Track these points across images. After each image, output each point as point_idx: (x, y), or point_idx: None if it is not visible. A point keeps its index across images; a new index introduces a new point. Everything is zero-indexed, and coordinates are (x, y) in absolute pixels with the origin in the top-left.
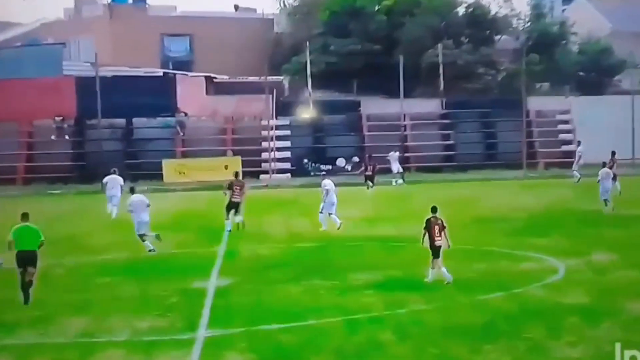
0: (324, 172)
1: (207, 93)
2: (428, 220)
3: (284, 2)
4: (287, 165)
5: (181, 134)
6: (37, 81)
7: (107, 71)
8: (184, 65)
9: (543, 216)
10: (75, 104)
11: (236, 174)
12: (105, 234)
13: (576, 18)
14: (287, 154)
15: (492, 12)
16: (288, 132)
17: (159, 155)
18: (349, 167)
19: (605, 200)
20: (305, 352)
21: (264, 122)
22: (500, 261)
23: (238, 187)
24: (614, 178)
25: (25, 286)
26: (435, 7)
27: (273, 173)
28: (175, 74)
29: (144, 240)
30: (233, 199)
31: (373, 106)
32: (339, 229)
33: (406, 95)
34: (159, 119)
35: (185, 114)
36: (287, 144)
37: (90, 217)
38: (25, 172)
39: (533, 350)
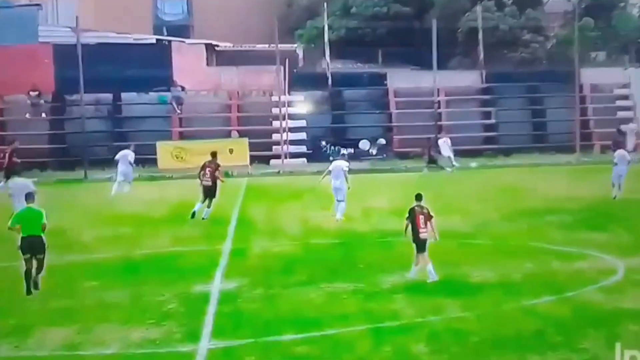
0: (343, 154)
1: (207, 64)
2: (412, 210)
3: None
4: (302, 149)
5: (178, 111)
6: (8, 49)
7: (90, 38)
8: (181, 30)
9: (600, 207)
10: (54, 77)
11: (213, 154)
12: (91, 229)
13: None
14: (302, 135)
15: None
16: (303, 110)
17: (153, 137)
18: (373, 151)
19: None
20: None
21: (275, 98)
22: (551, 260)
23: (210, 169)
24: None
25: (30, 275)
26: None
27: (286, 157)
28: (170, 41)
29: None
30: (204, 182)
31: (401, 79)
32: (336, 221)
33: (440, 67)
34: (151, 94)
35: (183, 88)
36: (302, 123)
37: (73, 210)
38: None
39: None
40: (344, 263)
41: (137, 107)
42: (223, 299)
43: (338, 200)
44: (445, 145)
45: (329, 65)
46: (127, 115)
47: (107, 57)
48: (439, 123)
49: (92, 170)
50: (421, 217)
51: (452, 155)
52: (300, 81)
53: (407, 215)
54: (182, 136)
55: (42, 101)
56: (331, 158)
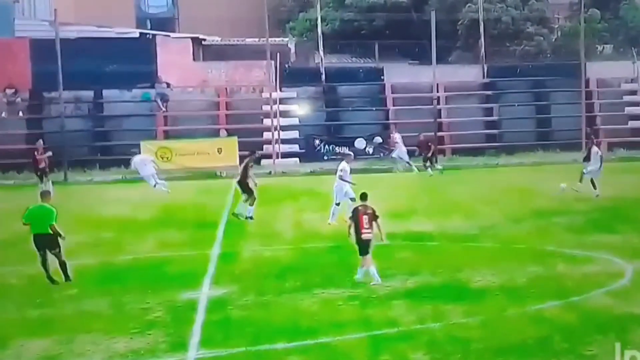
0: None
1: (194, 59)
2: (355, 210)
3: None
4: (295, 148)
5: (163, 109)
6: None
7: (69, 31)
8: (166, 23)
9: (609, 208)
10: (31, 73)
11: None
12: (71, 234)
13: None
14: (295, 133)
15: None
16: (295, 107)
17: (136, 136)
18: (370, 150)
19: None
20: None
21: (266, 95)
22: (558, 263)
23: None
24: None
25: (45, 264)
26: None
27: (277, 157)
28: (154, 34)
29: None
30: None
31: (399, 74)
32: (329, 224)
33: (440, 61)
34: (135, 91)
35: (168, 85)
36: (295, 121)
37: None
38: None
39: None
40: (339, 267)
41: (120, 105)
42: (212, 306)
43: (337, 204)
44: (399, 143)
45: (323, 60)
46: (109, 113)
47: (87, 52)
48: (438, 120)
49: (72, 172)
50: (365, 217)
51: (405, 157)
52: (292, 77)
53: (350, 215)
54: (168, 135)
55: (18, 99)
56: (325, 157)
